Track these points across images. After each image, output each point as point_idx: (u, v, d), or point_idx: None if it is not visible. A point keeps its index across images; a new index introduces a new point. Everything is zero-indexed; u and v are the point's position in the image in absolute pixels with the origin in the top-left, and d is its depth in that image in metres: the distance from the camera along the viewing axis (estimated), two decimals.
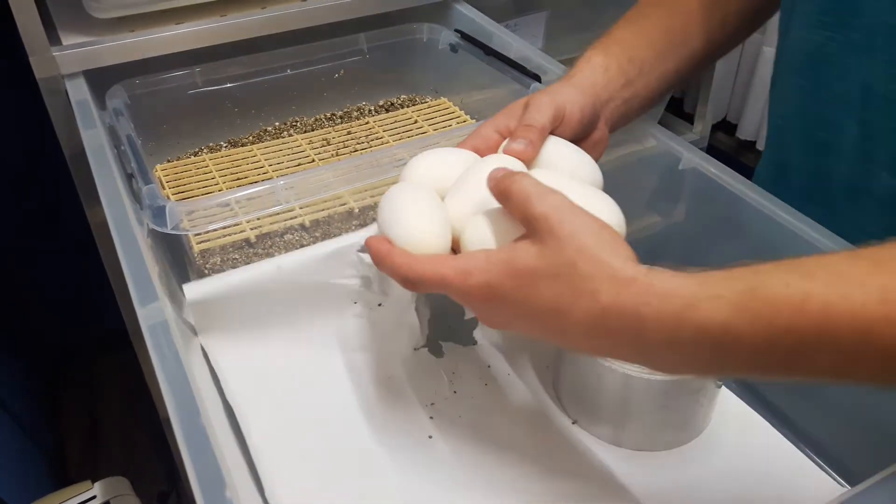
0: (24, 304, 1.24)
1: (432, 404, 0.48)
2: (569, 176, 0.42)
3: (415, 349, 0.51)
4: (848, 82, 0.48)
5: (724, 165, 0.52)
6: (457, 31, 0.76)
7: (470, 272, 0.35)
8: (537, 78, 0.65)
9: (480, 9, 0.79)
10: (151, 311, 0.40)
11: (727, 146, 1.28)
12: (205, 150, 0.72)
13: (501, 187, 0.37)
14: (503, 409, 0.48)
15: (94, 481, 0.74)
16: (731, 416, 0.49)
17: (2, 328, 1.06)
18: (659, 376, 0.44)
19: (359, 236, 0.48)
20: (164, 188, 0.64)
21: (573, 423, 0.48)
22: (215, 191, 0.64)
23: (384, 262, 0.38)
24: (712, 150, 1.22)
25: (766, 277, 0.30)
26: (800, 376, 0.31)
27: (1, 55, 1.00)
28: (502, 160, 0.42)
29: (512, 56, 0.69)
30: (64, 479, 1.11)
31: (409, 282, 0.37)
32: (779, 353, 0.30)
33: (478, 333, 0.54)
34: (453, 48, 0.76)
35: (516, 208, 0.36)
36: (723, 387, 0.49)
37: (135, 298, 0.40)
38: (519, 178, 0.36)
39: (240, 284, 0.47)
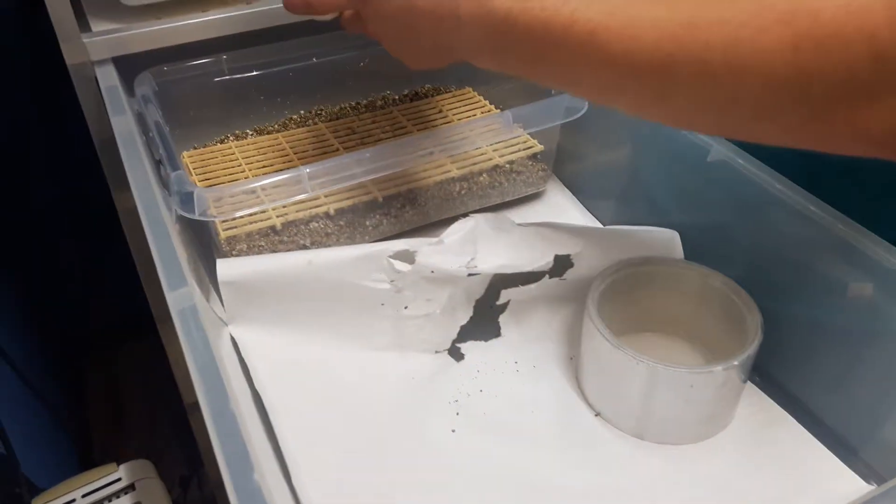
0: (50, 288, 1.26)
1: (456, 401, 0.48)
2: None
3: (436, 352, 0.51)
4: None
5: (754, 158, 0.52)
6: None
7: None
8: None
9: None
10: (181, 295, 0.40)
11: None
12: (231, 138, 0.72)
13: None
14: (526, 403, 0.48)
15: (118, 464, 0.75)
16: (756, 410, 0.49)
17: (28, 312, 1.08)
18: (683, 368, 0.44)
19: (392, 244, 0.49)
20: (191, 175, 0.65)
21: (596, 415, 0.48)
22: (241, 178, 0.64)
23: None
24: None
25: None
26: (550, 70, 0.36)
27: (24, 43, 1.02)
28: None
29: None
30: (89, 461, 1.13)
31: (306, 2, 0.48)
32: (538, 41, 0.35)
33: (503, 319, 0.54)
34: None
35: None
36: (748, 381, 0.48)
37: (164, 283, 0.41)
38: None
39: (270, 272, 0.47)
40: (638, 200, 0.61)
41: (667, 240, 0.53)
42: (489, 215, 0.51)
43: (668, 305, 0.52)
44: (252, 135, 0.73)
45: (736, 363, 0.44)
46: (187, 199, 0.50)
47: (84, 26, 0.66)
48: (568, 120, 0.60)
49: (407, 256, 0.48)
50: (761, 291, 0.49)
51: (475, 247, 0.49)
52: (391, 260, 0.48)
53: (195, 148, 0.71)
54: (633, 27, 0.32)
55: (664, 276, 0.51)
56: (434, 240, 0.49)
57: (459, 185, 0.63)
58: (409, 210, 0.62)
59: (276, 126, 0.74)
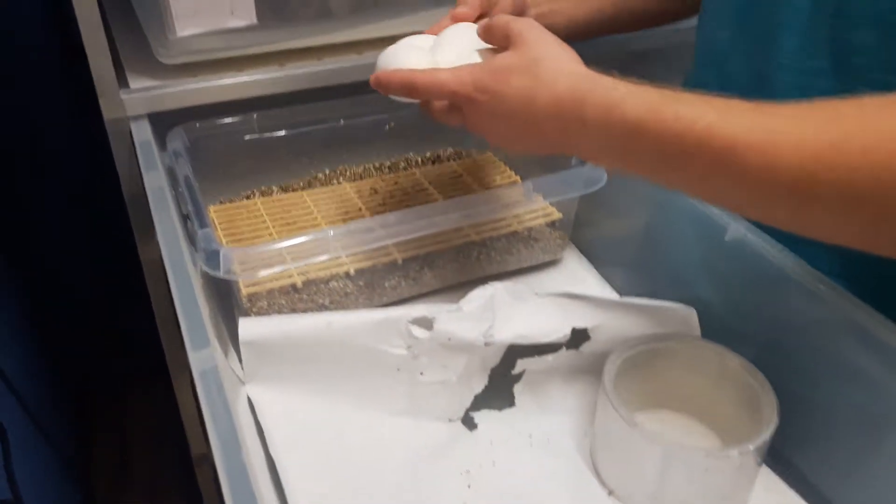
0: (63, 331, 1.27)
1: (468, 472, 0.48)
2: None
3: (450, 420, 0.51)
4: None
5: (771, 238, 0.52)
6: None
7: (461, 71, 0.45)
8: None
9: None
10: (204, 356, 0.41)
11: None
12: (257, 194, 0.74)
13: (486, 24, 0.48)
14: (539, 478, 0.48)
15: None
16: (770, 494, 0.48)
17: (41, 355, 1.09)
18: (699, 451, 0.43)
19: (411, 310, 0.49)
20: (216, 230, 0.66)
21: (609, 493, 0.47)
22: (266, 234, 0.66)
23: (388, 79, 0.49)
24: None
25: (680, 97, 0.37)
26: (681, 177, 0.38)
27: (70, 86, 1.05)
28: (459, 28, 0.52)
29: None
30: (92, 499, 1.12)
31: (409, 86, 0.47)
32: (671, 151, 0.37)
33: (518, 388, 0.54)
34: None
35: (499, 30, 0.46)
36: (763, 465, 0.48)
37: (188, 342, 0.42)
38: (499, 15, 0.48)
39: (290, 334, 0.48)
40: (655, 272, 0.62)
41: (684, 316, 0.53)
42: (508, 284, 0.51)
43: (685, 383, 0.52)
44: (278, 191, 0.75)
45: (752, 448, 0.43)
46: (213, 257, 0.51)
47: (122, 82, 0.69)
48: (588, 191, 0.61)
49: (425, 323, 0.49)
50: (777, 371, 0.48)
51: (493, 315, 0.49)
52: (410, 325, 0.48)
53: (221, 203, 0.73)
54: (775, 144, 0.33)
55: (681, 353, 0.51)
56: (453, 307, 0.50)
57: (478, 251, 0.64)
58: (428, 273, 0.63)
59: (301, 184, 0.76)
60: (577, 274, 0.68)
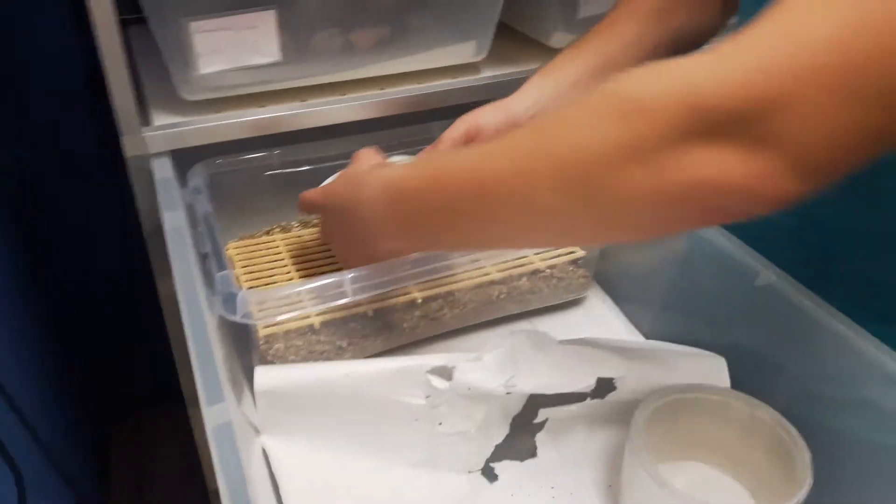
0: (79, 358, 1.28)
1: None
2: None
3: (469, 472, 0.50)
4: None
5: (803, 286, 0.50)
6: None
7: (326, 188, 0.57)
8: None
9: None
10: (217, 411, 0.40)
11: None
12: (276, 230, 0.73)
13: None
14: None
15: None
16: None
17: (56, 383, 1.09)
18: None
19: (430, 359, 0.48)
20: (234, 266, 0.66)
21: None
22: (284, 272, 0.65)
23: (301, 199, 0.59)
24: None
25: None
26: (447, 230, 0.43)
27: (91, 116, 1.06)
28: None
29: None
30: None
31: (301, 203, 0.59)
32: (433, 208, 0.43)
33: (540, 438, 0.52)
34: None
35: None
36: None
37: (202, 396, 0.41)
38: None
39: (307, 383, 0.47)
40: (682, 315, 0.60)
41: (713, 366, 0.51)
42: (530, 333, 0.50)
43: (714, 435, 0.50)
44: (297, 227, 0.74)
45: None
46: (230, 301, 0.50)
47: (145, 118, 0.69)
48: None
49: (445, 372, 0.47)
50: (809, 423, 0.46)
51: (515, 365, 0.48)
52: (429, 375, 0.47)
53: (241, 238, 0.72)
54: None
55: (710, 405, 0.49)
56: (472, 356, 0.48)
57: (498, 290, 0.63)
58: (447, 312, 0.62)
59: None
60: (600, 315, 0.66)
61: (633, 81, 0.32)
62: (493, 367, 0.48)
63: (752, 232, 0.53)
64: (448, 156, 0.44)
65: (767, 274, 0.52)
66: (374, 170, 0.49)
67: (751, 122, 0.29)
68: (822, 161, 0.29)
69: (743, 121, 0.29)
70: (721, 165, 0.30)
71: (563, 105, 0.35)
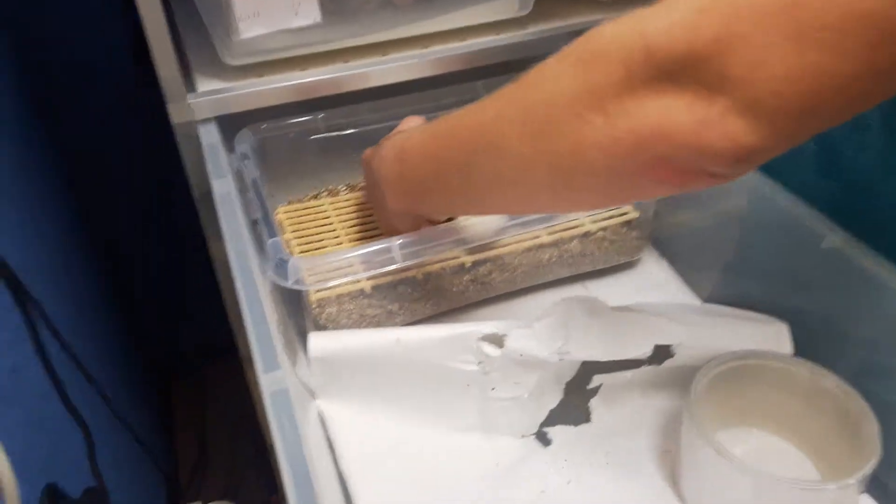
0: (136, 312, 1.31)
1: (543, 492, 0.46)
2: None
3: (522, 436, 0.49)
4: None
5: (873, 250, 0.48)
6: None
7: (370, 149, 0.56)
8: None
9: None
10: (274, 378, 0.40)
11: None
12: (324, 193, 0.73)
13: None
14: (619, 500, 0.46)
15: (203, 502, 0.77)
16: None
17: (117, 338, 1.13)
18: (793, 484, 0.40)
19: (481, 326, 0.47)
20: (284, 231, 0.66)
21: None
22: (332, 236, 0.65)
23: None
24: None
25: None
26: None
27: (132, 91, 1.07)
28: None
29: None
30: (175, 489, 1.16)
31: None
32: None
33: (594, 403, 0.52)
34: None
35: None
36: (864, 493, 0.44)
37: (258, 364, 0.41)
38: None
39: (359, 349, 0.47)
40: (742, 279, 0.58)
41: (775, 332, 0.50)
42: (582, 298, 0.49)
43: (775, 403, 0.49)
44: (345, 190, 0.74)
45: (852, 482, 0.40)
46: (282, 267, 0.50)
47: (189, 84, 0.69)
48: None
49: (496, 340, 0.47)
50: (877, 394, 0.45)
51: (567, 332, 0.47)
52: (480, 342, 0.47)
53: (290, 202, 0.73)
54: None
55: (772, 372, 0.48)
56: (523, 322, 0.48)
57: (549, 253, 0.62)
58: (497, 276, 0.61)
59: None
60: (656, 277, 0.64)
61: (597, 29, 0.32)
62: (544, 334, 0.47)
63: (818, 193, 0.51)
64: (447, 115, 0.44)
65: (833, 237, 0.50)
66: (399, 132, 0.50)
67: (696, 65, 0.28)
68: (773, 106, 0.27)
69: (689, 64, 0.28)
70: (668, 113, 0.29)
71: (543, 60, 0.36)
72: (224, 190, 0.59)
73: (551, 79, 0.33)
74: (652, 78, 0.29)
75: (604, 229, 0.63)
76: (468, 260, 0.60)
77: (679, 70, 0.28)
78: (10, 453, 0.61)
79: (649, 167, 0.31)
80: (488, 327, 0.47)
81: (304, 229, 0.66)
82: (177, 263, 1.30)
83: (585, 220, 0.63)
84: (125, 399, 0.99)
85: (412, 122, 0.57)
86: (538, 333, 0.47)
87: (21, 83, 0.95)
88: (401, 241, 0.51)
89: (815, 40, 0.26)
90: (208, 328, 1.18)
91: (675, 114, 0.29)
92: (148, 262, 1.31)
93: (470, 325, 0.47)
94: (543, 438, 0.50)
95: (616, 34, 0.30)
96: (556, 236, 0.62)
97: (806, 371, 0.47)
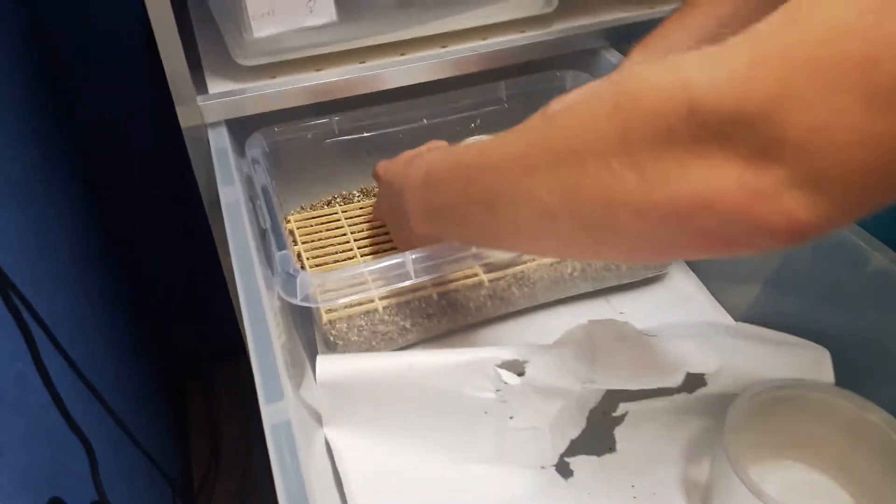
0: (151, 313, 1.30)
1: None
2: None
3: (542, 468, 0.46)
4: None
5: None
6: None
7: (386, 163, 0.58)
8: None
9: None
10: (276, 410, 0.38)
11: None
12: (338, 199, 0.71)
13: None
14: None
15: None
16: None
17: (125, 343, 1.11)
18: None
19: (500, 351, 0.45)
20: (296, 241, 0.63)
21: None
22: (345, 248, 0.62)
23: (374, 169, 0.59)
24: None
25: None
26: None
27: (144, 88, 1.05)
28: None
29: None
30: (184, 496, 1.14)
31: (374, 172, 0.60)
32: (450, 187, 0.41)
33: (619, 432, 0.48)
34: None
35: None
36: None
37: (261, 394, 0.38)
38: None
39: (370, 375, 0.44)
40: (778, 298, 0.55)
41: (816, 359, 0.46)
42: (609, 322, 0.46)
43: (815, 436, 0.45)
44: (359, 196, 0.71)
45: None
46: (290, 283, 0.48)
47: (200, 85, 0.67)
48: None
49: (516, 367, 0.44)
50: None
51: (593, 359, 0.44)
52: (498, 370, 0.44)
53: (302, 208, 0.70)
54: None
55: (812, 402, 0.44)
56: (546, 347, 0.45)
57: (572, 267, 0.59)
58: (516, 292, 0.58)
59: None
60: (684, 293, 0.61)
61: (637, 71, 0.27)
62: (568, 361, 0.44)
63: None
64: (469, 146, 0.41)
65: (881, 258, 0.46)
66: (429, 152, 0.47)
67: (748, 127, 0.24)
68: (837, 178, 0.23)
69: (739, 125, 0.24)
70: (714, 180, 0.25)
71: (574, 94, 0.31)
72: (232, 199, 0.56)
73: (583, 123, 0.29)
74: (696, 138, 0.25)
75: None
76: (486, 277, 0.57)
77: (727, 131, 0.24)
78: (16, 464, 0.60)
79: (690, 236, 0.27)
80: (507, 353, 0.44)
81: (315, 240, 0.63)
82: (192, 261, 1.28)
83: None
84: (132, 408, 0.97)
85: (435, 145, 0.54)
86: (562, 360, 0.44)
87: (31, 71, 0.93)
88: (415, 255, 0.48)
89: (894, 103, 0.22)
90: (225, 328, 1.17)
91: (721, 182, 0.25)
92: (163, 262, 1.30)
93: (488, 351, 0.44)
94: (564, 470, 0.47)
95: (657, 81, 0.26)
96: None
97: (849, 403, 0.44)
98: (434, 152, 0.45)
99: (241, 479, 1.23)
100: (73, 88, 1.07)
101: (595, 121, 0.28)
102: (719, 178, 0.25)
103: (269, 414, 0.38)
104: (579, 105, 0.30)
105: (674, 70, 0.26)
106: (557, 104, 0.33)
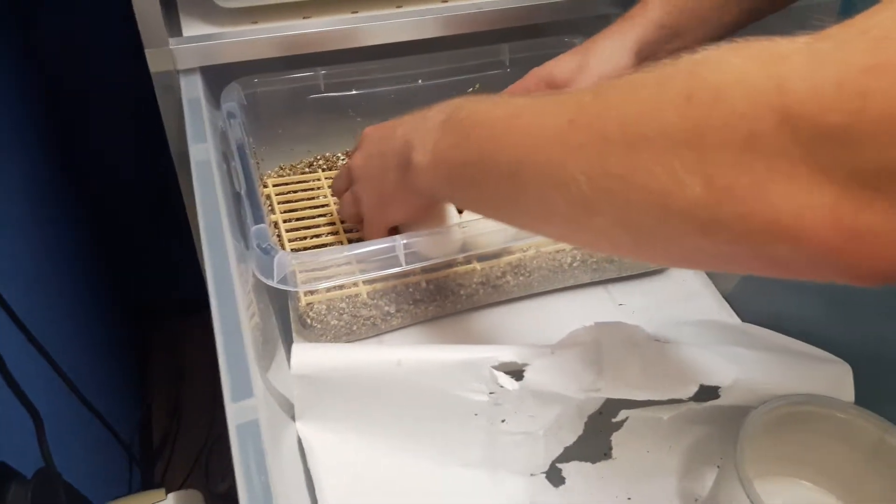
0: (113, 262, 1.24)
1: None
2: None
3: (531, 475, 0.43)
4: None
5: None
6: None
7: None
8: None
9: None
10: (243, 408, 0.33)
11: None
12: (320, 161, 0.65)
13: None
14: None
15: (167, 492, 0.71)
16: None
17: (90, 293, 1.05)
18: None
19: (498, 352, 0.40)
20: (272, 209, 0.58)
21: None
22: (327, 220, 0.57)
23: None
24: None
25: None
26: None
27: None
28: None
29: None
30: (144, 465, 1.10)
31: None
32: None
33: (617, 438, 0.45)
34: None
35: None
36: None
37: (226, 392, 0.34)
38: None
39: (352, 369, 0.39)
40: (789, 299, 0.51)
41: (836, 375, 0.43)
42: (619, 325, 0.41)
43: (829, 456, 0.42)
44: (343, 159, 0.66)
45: None
46: (266, 262, 0.43)
47: (175, 28, 0.60)
48: None
49: (514, 370, 0.40)
50: None
51: (600, 365, 0.40)
52: (495, 372, 0.39)
53: (281, 168, 0.64)
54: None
55: (831, 421, 0.41)
56: (547, 350, 0.40)
57: (571, 256, 0.54)
58: (511, 280, 0.53)
59: None
60: (688, 286, 0.57)
61: (720, 56, 0.23)
62: (573, 366, 0.40)
63: None
64: (502, 100, 0.35)
65: None
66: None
67: (854, 147, 0.19)
68: None
69: (842, 145, 0.19)
70: (800, 206, 0.20)
71: (633, 73, 0.26)
72: (202, 157, 0.51)
73: (644, 109, 0.24)
74: (783, 152, 0.20)
75: None
76: (479, 265, 0.52)
77: (825, 150, 0.20)
78: None
79: (753, 259, 0.23)
80: (506, 354, 0.39)
81: (295, 209, 0.58)
82: (161, 209, 1.21)
83: None
84: (87, 366, 0.91)
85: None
86: (565, 365, 0.40)
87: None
88: (406, 240, 0.43)
89: None
90: (197, 280, 1.11)
91: (809, 212, 0.20)
92: (131, 209, 1.23)
93: (484, 350, 0.40)
94: (556, 477, 0.43)
95: (745, 76, 0.21)
96: None
97: (871, 426, 0.40)
98: (463, 98, 0.38)
99: (205, 438, 1.19)
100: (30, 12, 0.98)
101: (660, 110, 0.23)
102: (807, 207, 0.20)
103: (234, 413, 0.33)
104: (641, 86, 0.25)
105: (768, 65, 0.21)
106: (603, 82, 0.28)
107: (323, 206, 0.58)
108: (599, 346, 0.40)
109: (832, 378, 0.43)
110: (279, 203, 0.58)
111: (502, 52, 0.67)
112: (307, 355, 0.40)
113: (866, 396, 0.43)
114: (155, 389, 1.29)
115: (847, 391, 0.43)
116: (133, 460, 0.97)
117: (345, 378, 0.40)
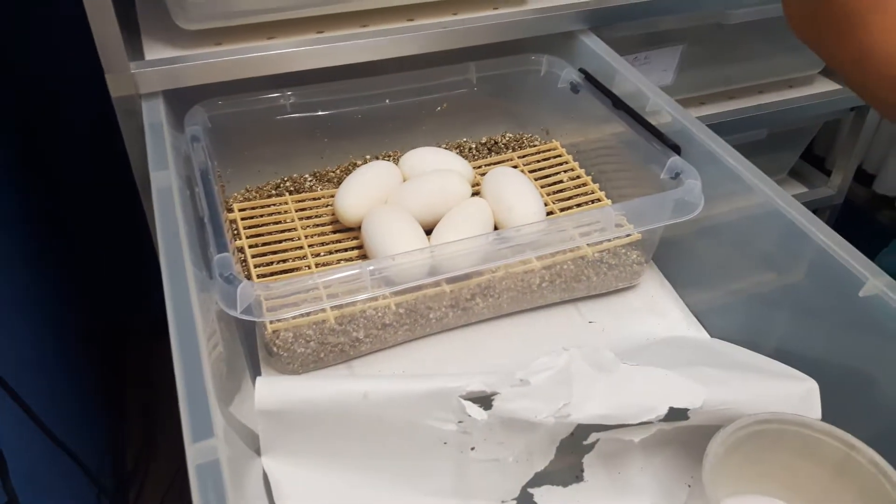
0: (82, 287, 1.21)
1: None
2: None
3: (502, 502, 0.42)
4: None
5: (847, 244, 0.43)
6: (581, 70, 0.65)
7: None
8: (676, 149, 0.54)
9: (610, 42, 0.68)
10: (203, 449, 0.33)
11: (861, 199, 1.13)
12: (287, 182, 0.64)
13: None
14: None
15: None
16: None
17: (57, 316, 1.03)
18: None
19: (465, 381, 0.40)
20: (238, 234, 0.57)
21: None
22: (294, 245, 0.56)
23: None
24: (844, 203, 1.08)
25: None
26: None
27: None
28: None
29: (622, 93, 0.60)
30: (119, 483, 1.07)
31: None
32: None
33: (588, 460, 0.44)
34: (574, 88, 0.66)
35: None
36: None
37: (186, 432, 0.33)
38: None
39: (317, 403, 0.39)
40: (762, 319, 0.51)
41: (803, 392, 0.43)
42: (587, 350, 0.41)
43: (797, 473, 0.42)
44: (311, 180, 0.65)
45: None
46: (229, 292, 0.42)
47: (136, 51, 0.59)
48: (678, 220, 0.50)
49: (483, 400, 0.39)
50: None
51: (570, 390, 0.40)
52: (463, 402, 0.39)
53: (247, 190, 0.63)
54: None
55: (797, 438, 0.41)
56: (517, 378, 0.40)
57: (540, 277, 0.54)
58: (480, 302, 0.53)
59: (337, 171, 0.66)
60: (657, 304, 0.57)
61: None
62: (542, 393, 0.39)
63: (859, 231, 0.44)
64: None
65: (876, 283, 0.43)
66: None
67: None
68: None
69: None
70: None
71: None
72: (164, 184, 0.49)
73: None
74: None
75: (602, 252, 0.55)
76: (448, 288, 0.51)
77: None
78: None
79: None
80: (474, 383, 0.39)
81: (261, 233, 0.57)
82: (131, 229, 1.19)
83: (581, 243, 0.55)
84: (54, 395, 0.89)
85: None
86: (535, 392, 0.39)
87: None
88: (372, 266, 0.43)
89: None
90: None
91: None
92: (96, 230, 1.20)
93: (452, 380, 0.39)
94: (527, 502, 0.43)
95: None
96: (549, 260, 0.54)
97: (837, 443, 0.41)
98: None
99: (179, 464, 1.16)
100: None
101: None
102: None
103: (194, 454, 0.32)
104: None
105: None
106: None
107: (290, 230, 0.57)
108: (569, 371, 0.40)
109: (799, 395, 0.43)
110: (245, 228, 0.57)
111: (469, 70, 0.67)
112: (271, 389, 0.39)
113: (833, 412, 0.43)
114: (127, 413, 1.26)
115: (814, 408, 0.43)
116: (102, 492, 0.95)
117: (311, 411, 0.39)
